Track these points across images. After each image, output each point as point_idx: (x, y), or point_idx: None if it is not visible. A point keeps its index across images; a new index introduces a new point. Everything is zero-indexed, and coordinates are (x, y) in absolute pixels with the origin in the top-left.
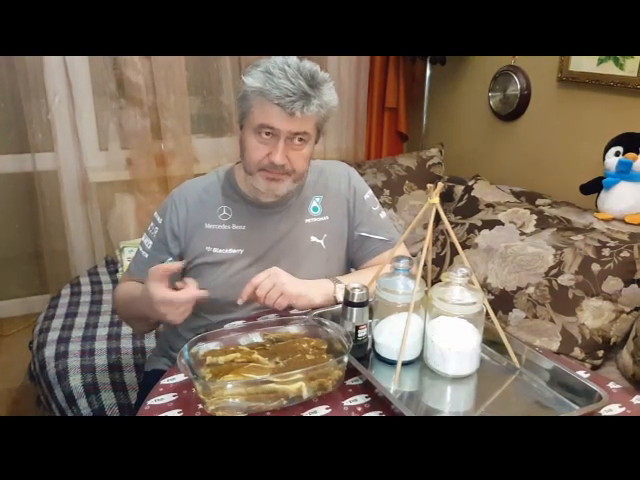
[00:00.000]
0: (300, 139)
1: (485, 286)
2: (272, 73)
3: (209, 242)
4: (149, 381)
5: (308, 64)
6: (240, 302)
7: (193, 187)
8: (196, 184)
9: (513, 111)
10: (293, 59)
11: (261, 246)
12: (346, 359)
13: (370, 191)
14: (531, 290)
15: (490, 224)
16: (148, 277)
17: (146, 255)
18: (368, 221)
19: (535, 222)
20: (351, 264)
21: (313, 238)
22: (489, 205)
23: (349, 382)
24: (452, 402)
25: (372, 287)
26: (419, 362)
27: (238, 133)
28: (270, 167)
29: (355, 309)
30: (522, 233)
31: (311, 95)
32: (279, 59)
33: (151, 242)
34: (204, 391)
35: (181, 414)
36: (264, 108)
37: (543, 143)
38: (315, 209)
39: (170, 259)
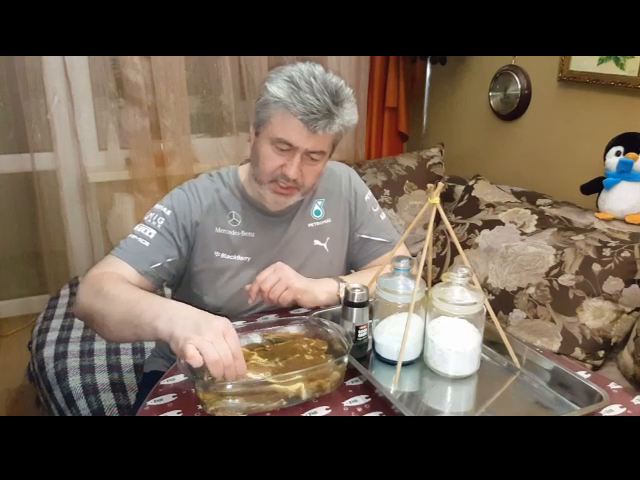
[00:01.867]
0: (316, 156)
1: (485, 286)
2: (298, 85)
3: (218, 247)
4: (148, 382)
5: (334, 78)
6: (250, 302)
7: (207, 188)
8: (208, 185)
9: (513, 111)
10: (319, 70)
11: (268, 254)
12: (346, 359)
13: (370, 192)
14: (532, 290)
15: (490, 224)
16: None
17: (147, 243)
18: (369, 223)
19: (536, 222)
20: (351, 266)
21: (316, 242)
22: (489, 205)
23: (349, 383)
24: (452, 403)
25: (372, 287)
26: (419, 362)
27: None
28: (282, 179)
29: (355, 309)
30: (523, 233)
31: (335, 114)
32: (305, 68)
33: (154, 232)
34: (204, 392)
35: (180, 415)
36: (285, 121)
37: (544, 143)
38: (317, 212)
39: (174, 259)
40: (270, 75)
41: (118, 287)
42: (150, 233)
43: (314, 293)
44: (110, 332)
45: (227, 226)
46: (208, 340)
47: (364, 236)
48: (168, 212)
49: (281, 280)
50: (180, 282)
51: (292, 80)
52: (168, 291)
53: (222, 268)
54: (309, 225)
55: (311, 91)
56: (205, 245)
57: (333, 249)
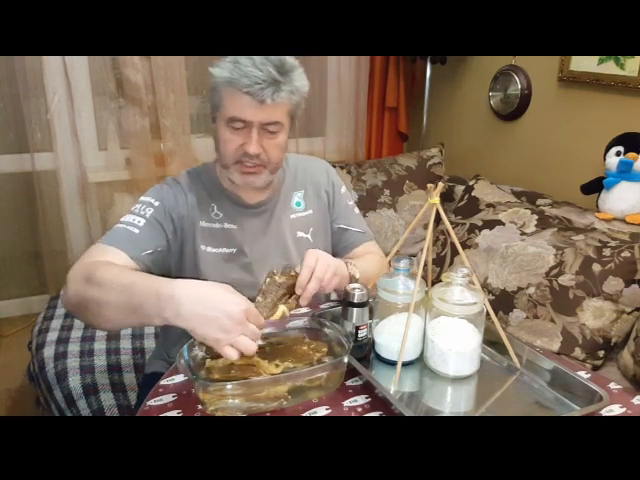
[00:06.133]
0: (272, 128)
1: (485, 286)
2: (239, 62)
3: (204, 241)
4: (148, 383)
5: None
6: (304, 303)
7: (189, 183)
8: (189, 180)
9: (514, 111)
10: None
11: (252, 245)
12: (346, 359)
13: (344, 186)
14: (532, 290)
15: (491, 224)
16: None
17: (137, 231)
18: (345, 214)
19: (536, 222)
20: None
21: (300, 233)
22: (490, 205)
23: (349, 383)
24: (452, 403)
25: (372, 273)
26: (419, 362)
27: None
28: (245, 158)
29: (355, 309)
30: (523, 233)
31: (281, 81)
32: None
33: (143, 220)
34: (204, 392)
35: (180, 415)
36: (234, 99)
37: (544, 143)
38: (298, 204)
39: (163, 249)
40: (214, 62)
41: (109, 271)
42: (139, 222)
43: (344, 274)
44: (108, 321)
45: (211, 219)
46: (238, 334)
47: (342, 226)
48: (156, 203)
49: (330, 266)
50: (168, 277)
51: (234, 60)
52: None
53: (208, 262)
54: (291, 217)
55: (253, 64)
56: (191, 239)
57: (317, 239)
